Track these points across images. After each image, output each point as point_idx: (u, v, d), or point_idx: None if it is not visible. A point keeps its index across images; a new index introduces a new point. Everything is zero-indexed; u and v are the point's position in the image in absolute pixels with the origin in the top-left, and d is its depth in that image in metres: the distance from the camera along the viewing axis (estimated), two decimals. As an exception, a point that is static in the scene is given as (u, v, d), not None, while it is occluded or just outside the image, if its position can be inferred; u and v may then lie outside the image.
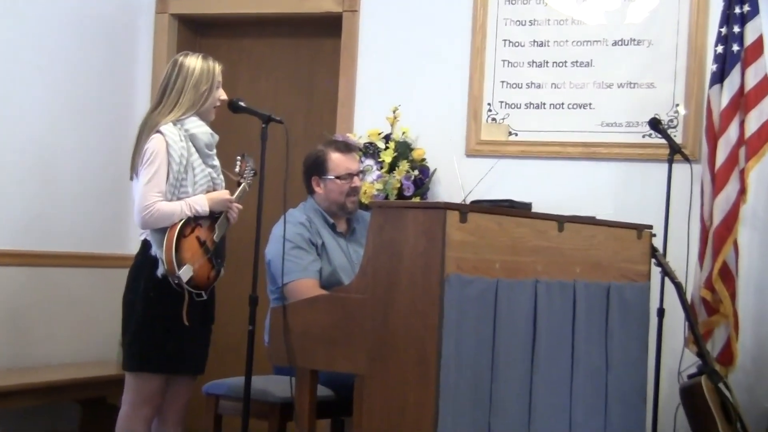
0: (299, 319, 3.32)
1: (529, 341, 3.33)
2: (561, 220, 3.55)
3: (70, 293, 4.96)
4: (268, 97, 5.41)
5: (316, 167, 3.95)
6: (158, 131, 3.56)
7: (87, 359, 5.03)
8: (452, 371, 3.02)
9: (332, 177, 3.92)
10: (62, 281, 4.92)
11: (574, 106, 4.76)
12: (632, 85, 4.68)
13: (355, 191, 3.97)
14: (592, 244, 3.71)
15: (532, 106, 4.82)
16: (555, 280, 3.45)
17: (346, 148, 4.01)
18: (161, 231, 3.53)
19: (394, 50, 5.03)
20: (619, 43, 4.71)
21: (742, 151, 4.31)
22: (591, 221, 3.77)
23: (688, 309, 4.22)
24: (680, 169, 4.39)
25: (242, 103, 3.74)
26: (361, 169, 4.49)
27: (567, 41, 4.78)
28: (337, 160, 3.94)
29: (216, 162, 3.72)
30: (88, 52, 5.08)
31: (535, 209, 4.27)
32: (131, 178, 3.63)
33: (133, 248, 3.71)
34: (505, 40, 4.86)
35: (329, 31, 5.23)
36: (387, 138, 4.80)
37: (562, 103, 4.77)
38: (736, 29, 4.34)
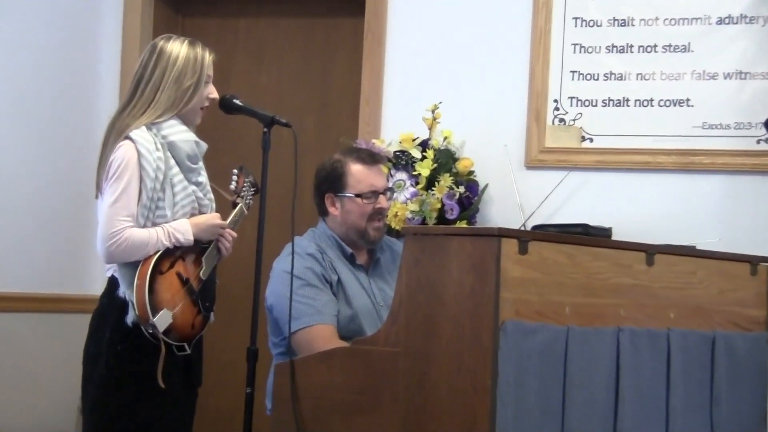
0: (311, 379, 3.33)
1: (609, 407, 3.32)
2: (650, 251, 3.55)
3: (15, 346, 4.98)
4: (270, 93, 5.44)
5: (332, 182, 3.97)
6: (127, 137, 3.57)
7: (36, 430, 5.05)
8: (510, 447, 3.02)
9: (352, 195, 3.94)
10: (3, 329, 4.94)
11: (667, 103, 4.75)
12: (742, 76, 4.67)
13: (380, 214, 3.98)
14: (692, 281, 3.70)
15: (611, 103, 4.82)
16: (643, 328, 3.44)
17: (371, 158, 4.03)
18: (132, 266, 3.53)
19: (432, 33, 5.05)
20: (726, 21, 4.71)
21: None
22: (690, 252, 3.76)
23: (818, 366, 4.19)
24: (806, 184, 4.40)
25: (238, 101, 3.76)
26: (390, 186, 4.50)
27: (657, 19, 4.78)
28: (358, 174, 3.96)
29: (202, 177, 3.73)
30: (38, 37, 5.12)
31: (616, 236, 4.28)
32: (96, 197, 3.64)
33: (97, 288, 3.73)
34: (576, 18, 4.87)
35: (350, 7, 5.26)
36: (424, 145, 4.81)
37: (651, 100, 4.77)
38: None
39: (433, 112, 4.84)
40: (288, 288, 3.63)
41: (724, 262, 3.85)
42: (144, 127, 3.60)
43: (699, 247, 3.91)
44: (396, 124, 4.99)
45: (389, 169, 4.70)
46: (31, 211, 5.07)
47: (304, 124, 5.22)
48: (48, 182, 5.14)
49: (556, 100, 4.87)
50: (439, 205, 4.66)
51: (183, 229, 3.60)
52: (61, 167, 5.17)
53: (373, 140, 4.85)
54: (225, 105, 3.77)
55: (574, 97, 4.86)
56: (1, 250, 4.95)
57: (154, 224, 3.58)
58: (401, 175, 4.75)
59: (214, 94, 3.75)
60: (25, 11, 5.08)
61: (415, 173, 4.72)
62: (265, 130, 3.66)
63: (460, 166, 4.78)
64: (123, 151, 3.55)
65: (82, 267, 5.21)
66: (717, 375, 3.72)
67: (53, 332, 5.10)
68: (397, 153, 4.80)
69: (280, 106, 5.18)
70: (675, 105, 4.74)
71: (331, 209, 3.98)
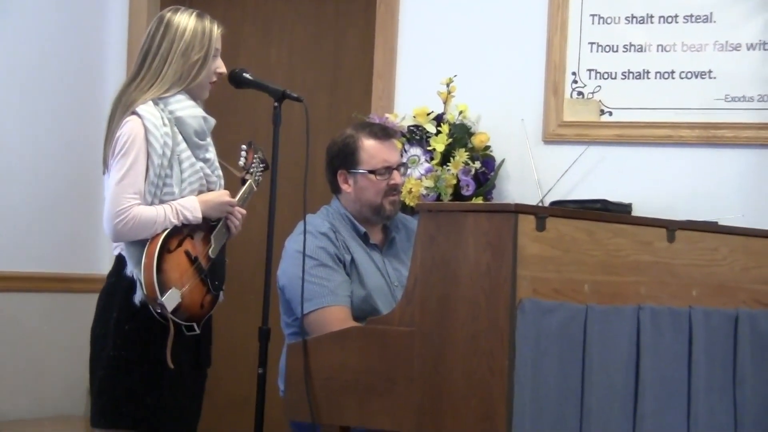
0: (324, 359, 3.34)
1: (629, 388, 3.32)
2: (672, 228, 3.54)
3: (20, 327, 5.01)
4: (280, 67, 5.45)
5: (344, 158, 3.97)
6: (134, 112, 3.57)
7: (44, 414, 5.08)
8: (528, 429, 3.02)
9: (365, 171, 3.95)
10: (8, 311, 4.97)
11: (689, 75, 4.75)
12: (766, 47, 4.66)
13: (394, 190, 3.99)
14: (714, 258, 3.69)
15: (631, 75, 4.81)
16: (664, 306, 3.44)
17: (384, 133, 4.03)
18: (140, 244, 3.54)
19: (447, 4, 5.05)
20: (749, -11, 4.71)
21: None
22: (712, 228, 3.76)
23: None
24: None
25: (247, 75, 3.77)
26: (404, 161, 4.51)
27: (678, -12, 4.78)
28: (371, 149, 3.96)
29: (210, 154, 3.73)
30: (44, 10, 5.13)
31: (636, 212, 4.28)
32: (103, 173, 3.65)
33: (105, 267, 3.74)
34: (595, -12, 4.87)
35: (361, -22, 5.27)
36: (438, 119, 4.81)
37: (672, 72, 4.76)
38: None
39: (447, 85, 4.84)
40: (300, 268, 3.64)
41: (748, 238, 3.83)
42: (151, 102, 3.60)
43: (722, 222, 3.90)
44: (410, 99, 4.99)
45: (403, 145, 4.70)
46: (37, 189, 5.09)
47: (316, 98, 5.23)
48: (54, 159, 5.15)
49: (574, 73, 4.87)
50: (454, 181, 4.67)
51: (191, 207, 3.59)
52: (68, 144, 5.18)
53: (387, 115, 4.86)
54: (235, 79, 3.77)
55: (592, 70, 4.86)
56: (7, 229, 4.97)
57: (162, 202, 3.57)
58: (415, 151, 4.75)
59: (222, 68, 3.74)
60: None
61: (429, 148, 4.72)
62: (276, 104, 3.66)
63: (476, 140, 4.78)
64: (129, 127, 3.55)
65: (89, 246, 5.23)
66: (740, 354, 3.71)
67: (61, 312, 5.12)
68: (411, 128, 4.80)
69: (291, 81, 5.18)
70: (697, 77, 4.73)
71: (344, 186, 3.98)
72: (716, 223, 3.86)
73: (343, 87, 5.39)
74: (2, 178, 4.98)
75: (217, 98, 3.87)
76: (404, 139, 4.73)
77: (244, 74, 3.76)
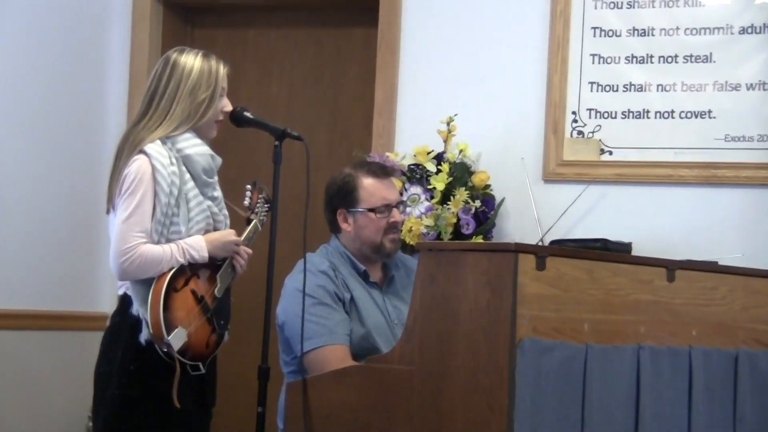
0: (324, 397, 3.36)
1: (629, 428, 3.34)
2: (671, 267, 3.57)
3: (19, 364, 5.00)
4: (280, 105, 5.48)
5: (343, 197, 4.00)
6: (141, 151, 3.59)
7: (44, 453, 5.10)
8: (527, 467, 3.05)
9: (364, 210, 3.98)
10: (7, 348, 4.96)
11: (689, 115, 4.77)
12: (766, 87, 4.67)
13: (394, 228, 4.02)
14: (714, 298, 3.72)
15: (631, 115, 4.84)
16: (664, 346, 3.47)
17: (382, 171, 4.05)
18: (146, 283, 3.54)
19: (447, 43, 5.08)
20: (749, 30, 4.72)
21: None
22: (712, 267, 3.78)
23: None
24: (833, 198, 4.42)
25: (248, 114, 3.79)
26: (403, 199, 4.54)
27: (678, 29, 4.80)
28: (370, 188, 3.99)
29: (218, 192, 3.75)
30: (44, 50, 5.15)
31: (636, 252, 4.30)
32: (107, 212, 3.67)
33: (108, 305, 3.76)
34: (595, 29, 4.89)
35: (362, 18, 5.29)
36: (439, 158, 4.83)
37: (672, 111, 4.79)
38: None
39: (448, 124, 4.85)
40: (300, 306, 3.66)
41: (747, 277, 3.85)
42: (158, 141, 3.62)
43: (721, 262, 3.92)
44: (410, 137, 5.01)
45: (403, 183, 4.73)
46: (38, 228, 5.08)
47: (316, 136, 5.26)
48: (54, 197, 5.15)
49: (574, 112, 4.89)
50: (454, 220, 4.68)
51: (198, 246, 3.61)
52: (70, 182, 5.19)
53: (387, 153, 4.87)
54: (235, 118, 3.80)
55: (592, 109, 4.88)
56: (9, 266, 4.97)
57: (169, 240, 3.59)
58: (416, 189, 4.77)
59: (229, 107, 3.77)
60: (31, 23, 5.10)
61: (429, 187, 4.73)
62: (277, 143, 3.69)
63: (476, 179, 4.79)
64: (137, 166, 3.57)
65: (89, 284, 5.23)
66: (740, 394, 3.72)
67: (60, 350, 5.11)
68: (412, 166, 4.81)
69: (291, 119, 5.22)
70: (696, 117, 4.76)
71: (343, 225, 4.00)
72: (716, 262, 3.89)
73: (343, 124, 5.42)
74: (2, 216, 4.99)
75: (218, 136, 3.90)
76: (404, 177, 4.75)
77: (245, 113, 3.79)
